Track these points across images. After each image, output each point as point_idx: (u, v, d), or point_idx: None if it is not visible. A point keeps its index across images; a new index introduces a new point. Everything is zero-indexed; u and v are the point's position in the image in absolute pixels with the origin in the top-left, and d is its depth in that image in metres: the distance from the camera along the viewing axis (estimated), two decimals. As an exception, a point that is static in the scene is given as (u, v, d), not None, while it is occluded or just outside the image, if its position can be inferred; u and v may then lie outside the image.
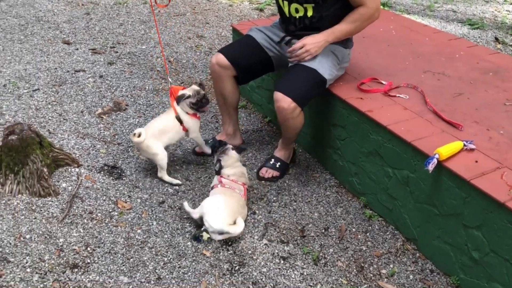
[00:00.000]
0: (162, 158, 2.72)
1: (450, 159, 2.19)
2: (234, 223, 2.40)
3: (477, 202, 2.06)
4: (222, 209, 2.40)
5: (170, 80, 2.97)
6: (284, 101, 2.55)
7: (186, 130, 2.81)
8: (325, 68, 2.64)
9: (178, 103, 2.75)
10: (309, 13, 2.63)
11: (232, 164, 2.64)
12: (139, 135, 2.67)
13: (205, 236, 2.38)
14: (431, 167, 2.14)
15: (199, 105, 2.79)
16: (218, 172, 2.61)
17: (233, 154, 2.68)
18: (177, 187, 2.78)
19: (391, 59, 3.20)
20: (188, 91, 2.77)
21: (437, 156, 2.15)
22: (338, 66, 2.77)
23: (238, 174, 2.63)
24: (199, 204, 2.48)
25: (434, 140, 2.33)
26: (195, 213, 2.44)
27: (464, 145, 2.27)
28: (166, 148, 2.78)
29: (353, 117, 2.66)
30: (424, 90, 2.76)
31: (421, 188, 2.33)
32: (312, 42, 2.59)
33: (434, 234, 2.32)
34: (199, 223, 2.46)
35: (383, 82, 2.85)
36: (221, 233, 2.37)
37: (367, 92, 2.75)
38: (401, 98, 2.72)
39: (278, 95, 2.57)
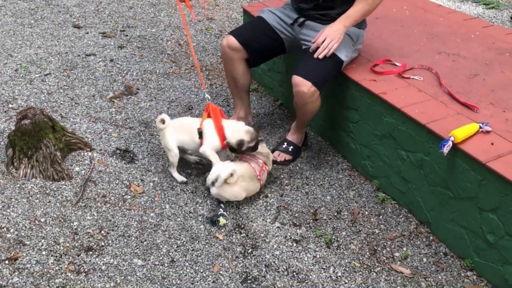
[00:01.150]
0: (172, 155, 2.64)
1: (465, 141, 2.16)
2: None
3: (493, 184, 2.04)
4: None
5: (208, 96, 2.75)
6: (304, 85, 2.52)
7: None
8: (341, 49, 2.60)
9: (239, 150, 2.55)
10: None
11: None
12: (163, 122, 2.60)
13: (222, 221, 2.39)
14: (446, 149, 2.11)
15: (249, 150, 2.57)
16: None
17: (264, 147, 2.70)
18: (189, 171, 2.78)
19: (404, 40, 3.15)
20: (247, 136, 2.52)
21: (452, 138, 2.12)
22: (353, 48, 2.73)
23: (263, 154, 2.64)
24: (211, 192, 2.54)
25: (449, 122, 2.29)
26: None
27: (480, 127, 2.23)
28: (182, 150, 2.68)
29: (366, 99, 2.63)
30: (439, 72, 2.71)
31: (435, 171, 2.31)
32: (332, 32, 2.54)
33: (448, 217, 2.30)
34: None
35: (397, 64, 2.80)
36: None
37: (380, 74, 2.71)
38: (415, 80, 2.67)
39: (297, 79, 2.54)
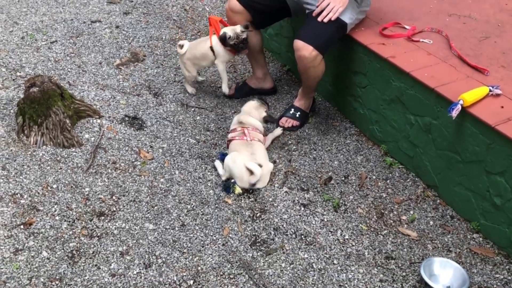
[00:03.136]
0: (189, 77, 3.13)
1: (474, 105, 2.14)
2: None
3: (502, 148, 2.04)
4: (241, 166, 2.41)
5: (207, 9, 3.16)
6: (305, 50, 2.49)
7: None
8: (344, 12, 2.55)
9: (224, 43, 2.83)
10: None
11: (249, 111, 2.67)
12: (182, 47, 3.00)
13: (237, 190, 2.41)
14: (454, 113, 2.10)
15: (235, 48, 2.85)
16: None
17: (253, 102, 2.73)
18: (198, 138, 2.80)
19: (414, 3, 3.08)
20: (229, 32, 2.80)
21: (461, 102, 2.11)
22: (357, 10, 2.68)
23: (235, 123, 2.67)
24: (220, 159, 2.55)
25: (458, 85, 2.27)
26: (224, 177, 2.49)
27: (490, 90, 2.21)
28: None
29: (375, 63, 2.60)
30: (449, 34, 2.67)
31: (443, 135, 2.30)
32: None
33: (455, 180, 2.31)
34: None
35: (406, 27, 2.76)
36: (252, 185, 2.42)
37: (389, 37, 2.67)
38: (425, 43, 2.63)
39: (298, 44, 2.51)
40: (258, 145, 2.54)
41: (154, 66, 3.44)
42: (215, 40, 2.88)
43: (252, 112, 2.69)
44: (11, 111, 2.86)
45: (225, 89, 3.02)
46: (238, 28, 2.80)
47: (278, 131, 2.82)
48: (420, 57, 2.51)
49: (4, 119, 2.81)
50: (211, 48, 2.90)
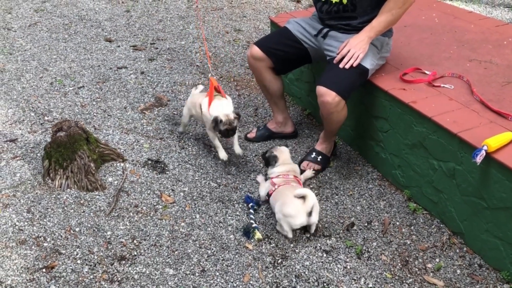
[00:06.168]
0: (182, 123, 3.14)
1: (499, 150, 2.11)
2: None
3: (529, 195, 1.99)
4: (295, 202, 2.36)
5: (210, 68, 3.26)
6: (328, 95, 2.52)
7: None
8: (365, 58, 2.59)
9: (214, 127, 2.72)
10: (344, 1, 2.59)
11: (284, 161, 2.66)
12: (196, 88, 3.08)
13: (258, 235, 2.39)
14: (479, 159, 2.07)
15: (224, 134, 2.74)
16: (269, 164, 2.66)
17: (283, 148, 2.73)
18: (219, 181, 2.81)
19: (434, 48, 3.11)
20: (223, 117, 2.67)
21: (485, 147, 2.08)
22: (378, 56, 2.72)
23: (288, 170, 2.63)
24: (242, 202, 2.57)
25: (481, 131, 2.25)
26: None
27: (515, 136, 2.18)
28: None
29: (396, 108, 2.61)
30: (470, 79, 2.67)
31: (468, 180, 2.26)
32: (356, 42, 2.55)
33: (482, 227, 2.25)
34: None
35: (427, 72, 2.77)
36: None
37: (410, 83, 2.69)
38: (446, 88, 2.64)
39: (321, 90, 2.54)
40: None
41: (178, 110, 3.51)
42: (205, 106, 2.77)
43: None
44: (38, 154, 2.94)
45: (222, 155, 2.83)
46: (231, 114, 2.69)
47: (309, 173, 2.81)
48: (442, 102, 2.51)
49: (31, 162, 2.88)
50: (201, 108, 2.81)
